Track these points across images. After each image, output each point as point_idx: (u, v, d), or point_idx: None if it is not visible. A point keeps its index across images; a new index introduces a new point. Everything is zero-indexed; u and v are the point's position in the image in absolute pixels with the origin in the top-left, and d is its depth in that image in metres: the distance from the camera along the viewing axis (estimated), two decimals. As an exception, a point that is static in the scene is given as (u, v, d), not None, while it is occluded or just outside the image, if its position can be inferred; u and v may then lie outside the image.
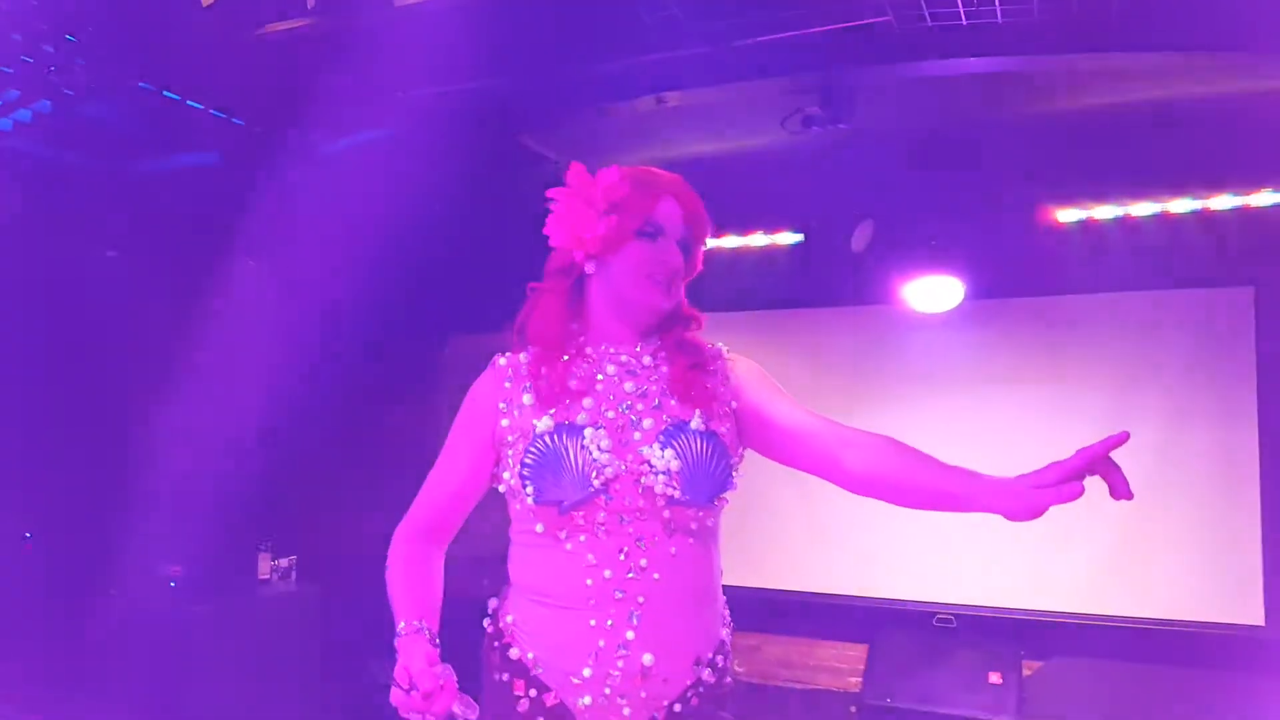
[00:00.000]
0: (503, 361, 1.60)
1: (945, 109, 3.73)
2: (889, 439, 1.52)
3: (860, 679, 5.11)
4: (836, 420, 1.57)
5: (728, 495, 1.52)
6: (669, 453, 1.46)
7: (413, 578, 1.60)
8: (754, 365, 1.65)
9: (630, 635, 1.44)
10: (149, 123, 3.67)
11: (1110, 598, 4.84)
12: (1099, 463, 1.34)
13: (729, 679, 1.59)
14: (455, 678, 1.45)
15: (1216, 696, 4.42)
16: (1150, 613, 4.74)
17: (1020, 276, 4.90)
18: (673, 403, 1.52)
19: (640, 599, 1.45)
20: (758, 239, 4.84)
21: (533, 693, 1.49)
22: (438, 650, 1.49)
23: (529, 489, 1.47)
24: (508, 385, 1.57)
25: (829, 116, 3.35)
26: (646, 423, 1.50)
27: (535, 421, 1.50)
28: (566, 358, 1.55)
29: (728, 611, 1.62)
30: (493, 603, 1.60)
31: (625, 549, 1.46)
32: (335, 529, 4.49)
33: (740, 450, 1.57)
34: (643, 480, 1.46)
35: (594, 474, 1.45)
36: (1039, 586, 4.96)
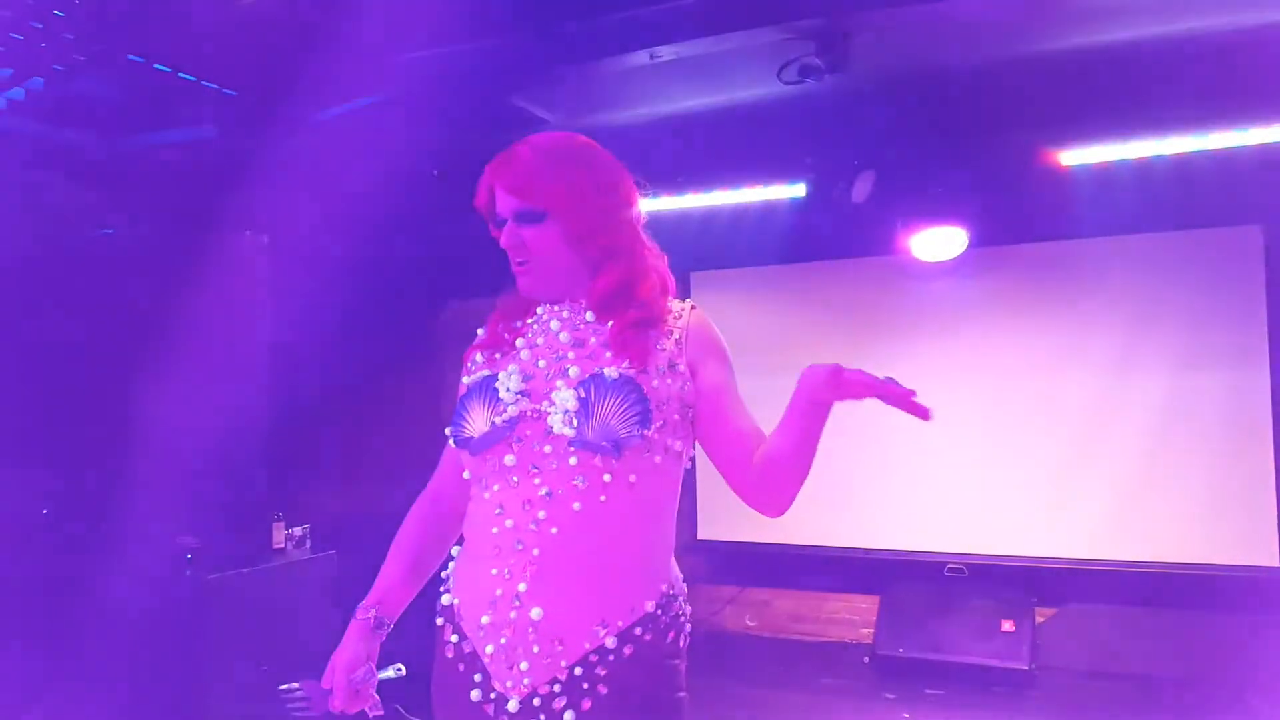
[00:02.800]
0: (480, 332, 1.68)
1: (945, 53, 3.67)
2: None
3: (872, 630, 5.15)
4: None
5: (661, 458, 1.48)
6: (571, 392, 1.47)
7: (398, 553, 1.69)
8: (705, 326, 1.60)
9: (522, 587, 1.44)
10: (142, 96, 3.64)
11: (1123, 543, 4.86)
12: (888, 399, 1.39)
13: (667, 656, 1.50)
14: (375, 680, 1.60)
15: (1232, 638, 4.44)
16: (1164, 557, 4.76)
17: (1025, 222, 4.87)
18: (607, 355, 1.51)
19: (535, 551, 1.44)
20: (757, 193, 4.79)
21: (455, 638, 1.52)
22: (380, 637, 1.63)
23: (448, 431, 1.57)
24: (476, 354, 1.66)
25: (826, 65, 3.30)
26: (573, 371, 1.50)
27: (475, 374, 1.59)
28: (517, 324, 1.62)
29: (670, 586, 1.53)
30: (455, 550, 1.64)
31: (529, 500, 1.46)
32: (347, 497, 4.52)
33: (676, 408, 1.51)
34: (548, 418, 1.47)
35: (497, 413, 1.49)
36: (1051, 534, 4.99)
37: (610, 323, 1.54)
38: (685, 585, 1.61)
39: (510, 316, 1.63)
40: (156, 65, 3.44)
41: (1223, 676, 4.30)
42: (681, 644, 1.54)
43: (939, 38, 3.55)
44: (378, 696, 1.61)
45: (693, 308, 1.61)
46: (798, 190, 4.71)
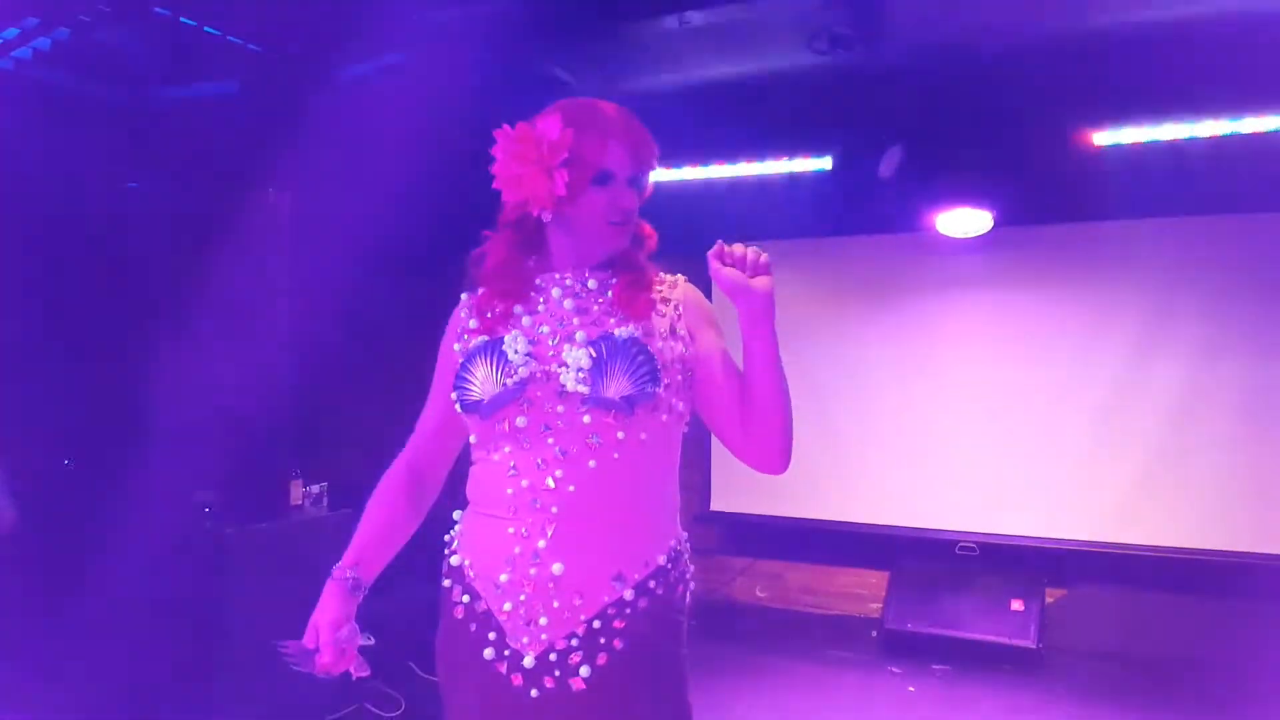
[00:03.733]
0: (464, 297, 1.68)
1: (978, 27, 3.60)
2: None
3: (881, 605, 5.17)
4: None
5: (667, 417, 1.52)
6: (584, 351, 1.49)
7: (375, 516, 1.69)
8: (700, 297, 1.65)
9: (541, 544, 1.46)
10: (167, 50, 3.63)
11: (1137, 527, 4.85)
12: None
13: (676, 611, 1.54)
14: (358, 639, 1.60)
15: (1244, 625, 4.43)
16: (1177, 542, 4.74)
17: (1053, 202, 4.81)
18: (612, 320, 1.54)
19: (554, 509, 1.47)
20: (782, 165, 4.75)
21: (465, 598, 1.54)
22: (358, 599, 1.62)
23: (454, 396, 1.56)
24: (463, 315, 1.66)
25: (857, 35, 3.25)
26: (579, 335, 1.52)
27: (473, 341, 1.59)
28: (505, 301, 1.60)
29: (678, 543, 1.58)
30: (457, 514, 1.64)
31: (543, 459, 1.48)
32: (365, 456, 4.54)
33: (679, 370, 1.55)
34: (560, 378, 1.49)
35: (508, 375, 1.50)
36: (1064, 516, 4.98)
37: (610, 292, 1.58)
38: (689, 544, 1.64)
39: (508, 285, 1.61)
40: (183, 19, 3.43)
41: (1233, 663, 4.30)
42: (687, 600, 1.59)
43: (972, 11, 3.49)
44: (362, 658, 1.62)
45: (685, 280, 1.66)
46: (824, 163, 4.66)
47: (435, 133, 3.59)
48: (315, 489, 4.33)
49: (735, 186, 4.93)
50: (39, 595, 3.51)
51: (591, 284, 1.59)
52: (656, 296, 1.58)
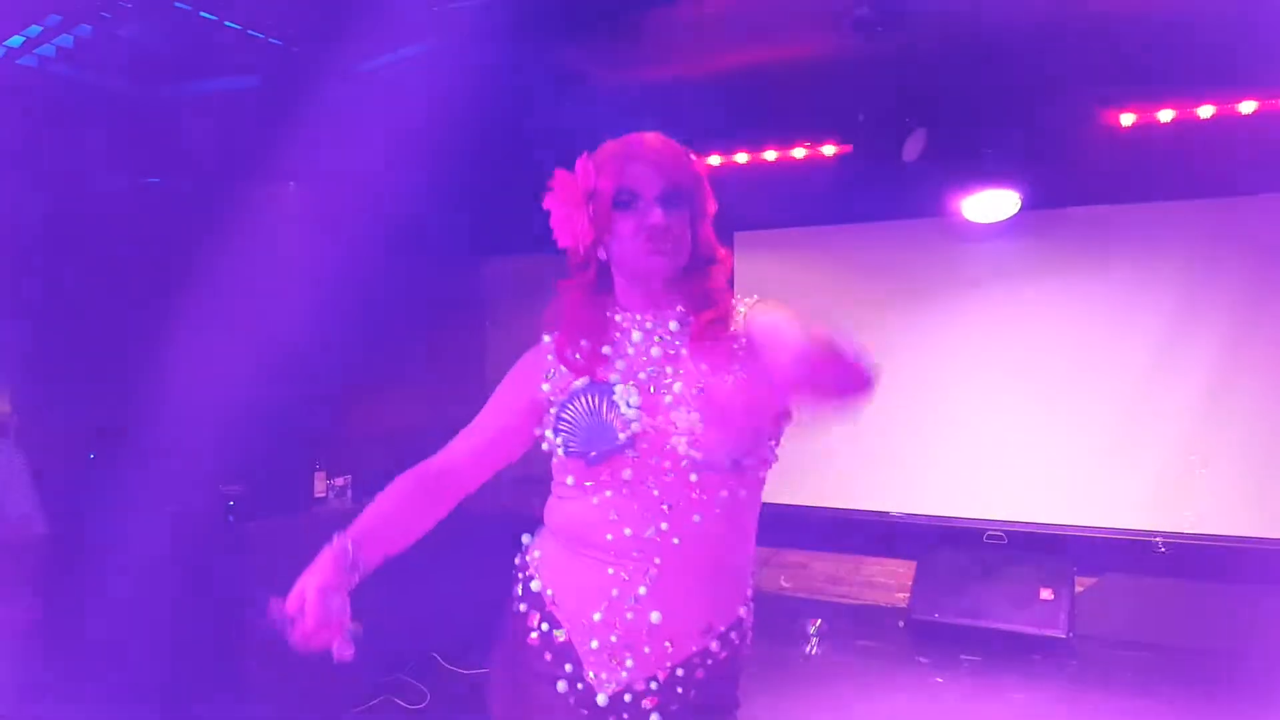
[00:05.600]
0: (547, 339, 1.65)
1: (1002, 8, 3.54)
2: None
3: (908, 595, 5.13)
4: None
5: (761, 470, 1.56)
6: (694, 415, 1.48)
7: (383, 505, 1.61)
8: (762, 312, 1.56)
9: (642, 591, 1.48)
10: (188, 45, 3.64)
11: (1166, 514, 4.78)
12: None
13: (742, 657, 1.60)
14: (348, 614, 1.44)
15: (1277, 614, 4.36)
16: (1208, 529, 4.67)
17: (1080, 184, 4.74)
18: (702, 367, 1.52)
19: (656, 560, 1.48)
20: (803, 151, 4.71)
21: (544, 626, 1.55)
22: (352, 578, 1.49)
23: (559, 440, 1.55)
24: (550, 358, 1.63)
25: (880, 19, 3.21)
26: (677, 386, 1.51)
27: (574, 383, 1.57)
28: (585, 341, 1.58)
29: (750, 590, 1.63)
30: (526, 538, 1.65)
31: (647, 510, 1.49)
32: (389, 448, 4.56)
33: (781, 409, 1.55)
34: (670, 442, 1.49)
35: (621, 428, 1.49)
36: (1093, 503, 4.91)
37: (689, 329, 1.55)
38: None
39: (583, 329, 1.59)
40: (202, 13, 3.44)
41: (1265, 652, 4.23)
42: (749, 644, 1.63)
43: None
44: (349, 639, 1.45)
45: (753, 302, 1.59)
46: (846, 148, 4.61)
47: (454, 124, 3.58)
48: (339, 481, 4.36)
49: (757, 173, 4.89)
50: (62, 589, 3.54)
51: (673, 325, 1.57)
52: (736, 337, 1.54)
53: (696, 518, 1.49)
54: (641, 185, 1.53)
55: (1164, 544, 4.70)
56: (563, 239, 1.58)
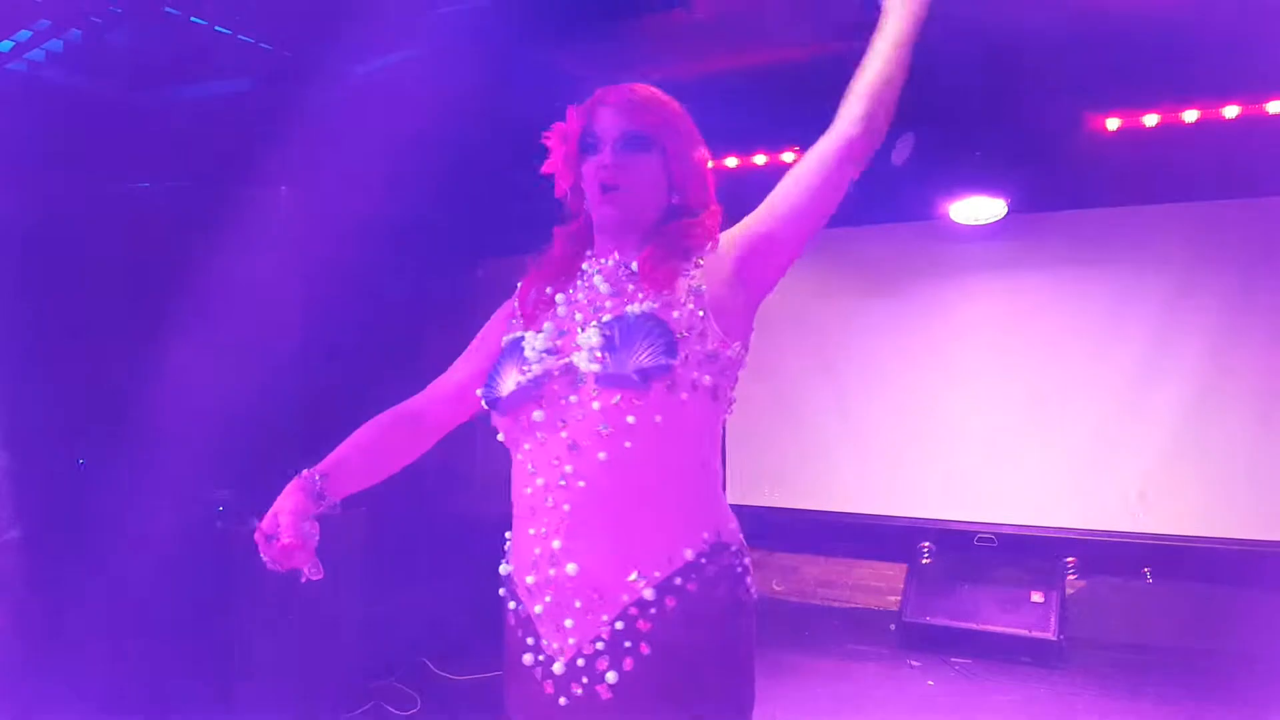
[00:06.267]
0: (519, 285, 1.67)
1: (989, 13, 3.56)
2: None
3: (899, 598, 5.14)
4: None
5: (685, 393, 1.41)
6: (595, 331, 1.45)
7: (359, 436, 1.65)
8: (729, 235, 1.58)
9: (556, 544, 1.42)
10: (178, 50, 3.64)
11: (1155, 516, 4.80)
12: None
13: (721, 610, 1.45)
14: (317, 537, 1.51)
15: (1266, 614, 4.38)
16: (1196, 531, 4.69)
17: (1067, 188, 4.77)
18: (640, 296, 1.48)
19: (566, 507, 1.42)
20: (792, 155, 4.71)
21: (512, 604, 1.53)
22: (321, 508, 1.53)
23: (480, 393, 1.56)
24: (515, 304, 1.65)
25: (867, 22, 3.21)
26: (605, 317, 1.48)
27: (508, 336, 1.58)
28: (549, 288, 1.59)
29: (716, 535, 1.47)
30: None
31: (557, 455, 1.43)
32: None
33: (704, 339, 1.44)
34: (573, 360, 1.45)
35: (523, 371, 1.48)
36: (1083, 506, 4.94)
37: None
38: (741, 537, 1.54)
39: (550, 272, 1.60)
40: (193, 18, 3.43)
41: (1256, 653, 4.25)
42: (742, 598, 1.49)
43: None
44: (318, 560, 1.52)
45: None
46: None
47: (444, 128, 3.58)
48: (330, 486, 4.34)
49: (746, 177, 4.90)
50: (52, 595, 3.53)
51: (634, 267, 1.52)
52: (691, 264, 1.50)
53: (602, 455, 1.39)
54: (602, 128, 1.53)
55: (1152, 542, 4.73)
56: (557, 187, 1.59)
